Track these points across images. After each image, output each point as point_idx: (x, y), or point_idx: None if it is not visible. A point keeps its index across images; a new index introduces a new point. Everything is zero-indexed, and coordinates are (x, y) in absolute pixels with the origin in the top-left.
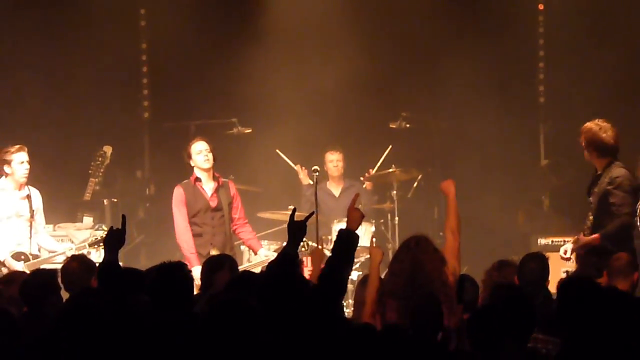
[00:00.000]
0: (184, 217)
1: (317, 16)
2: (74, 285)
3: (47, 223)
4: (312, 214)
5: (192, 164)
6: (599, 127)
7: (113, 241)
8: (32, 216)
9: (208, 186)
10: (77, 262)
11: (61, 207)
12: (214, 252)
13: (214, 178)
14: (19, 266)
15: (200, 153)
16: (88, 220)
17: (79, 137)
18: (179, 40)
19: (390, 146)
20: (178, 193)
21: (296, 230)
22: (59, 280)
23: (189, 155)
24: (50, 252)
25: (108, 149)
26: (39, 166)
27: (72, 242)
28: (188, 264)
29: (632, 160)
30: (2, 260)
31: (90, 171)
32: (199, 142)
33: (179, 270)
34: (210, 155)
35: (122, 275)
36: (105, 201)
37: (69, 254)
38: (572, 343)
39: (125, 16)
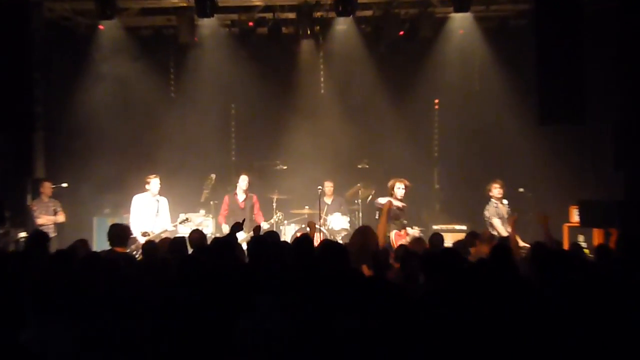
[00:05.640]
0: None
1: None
2: (196, 244)
3: (182, 212)
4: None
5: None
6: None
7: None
8: (157, 212)
9: (241, 197)
10: (197, 233)
11: (189, 204)
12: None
13: (245, 192)
14: (142, 239)
15: (244, 181)
16: (202, 212)
17: (198, 169)
18: (249, 118)
19: (359, 184)
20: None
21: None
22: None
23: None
24: (165, 229)
25: (213, 175)
26: (183, 185)
27: (190, 221)
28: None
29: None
30: (136, 235)
31: (203, 186)
32: (244, 175)
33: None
34: (247, 181)
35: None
36: (211, 202)
37: (171, 230)
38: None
39: (221, 105)
